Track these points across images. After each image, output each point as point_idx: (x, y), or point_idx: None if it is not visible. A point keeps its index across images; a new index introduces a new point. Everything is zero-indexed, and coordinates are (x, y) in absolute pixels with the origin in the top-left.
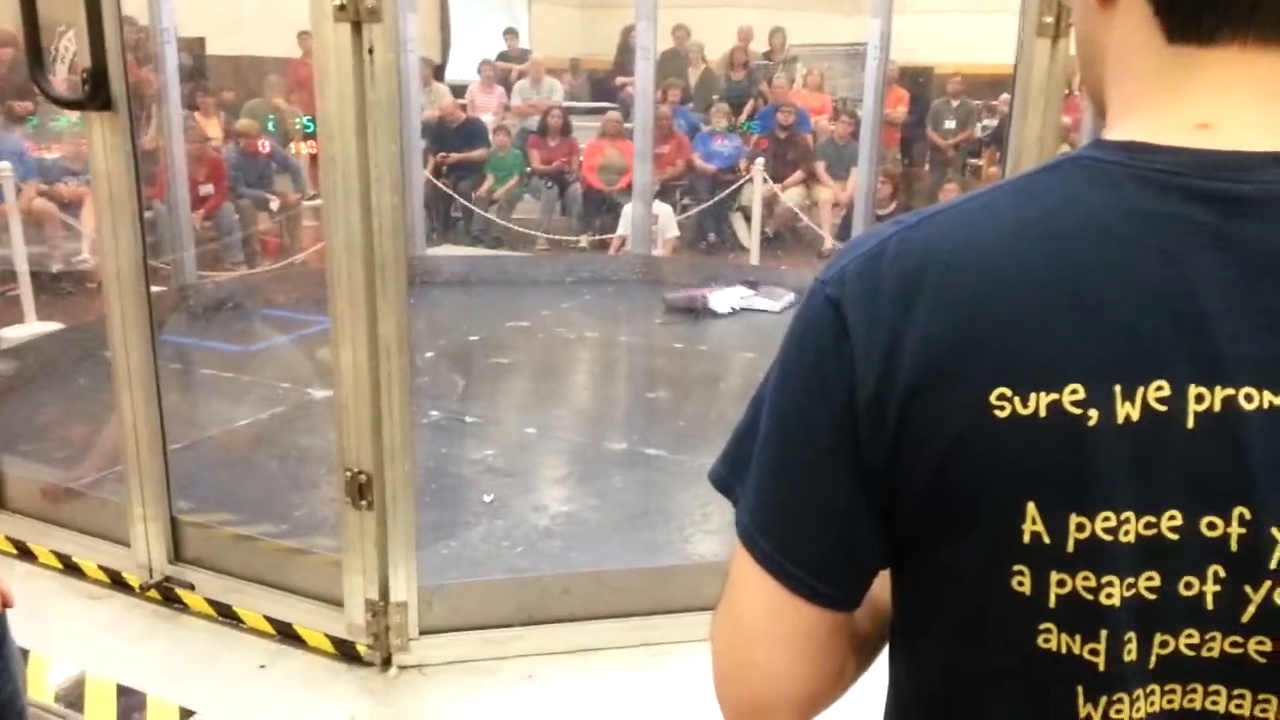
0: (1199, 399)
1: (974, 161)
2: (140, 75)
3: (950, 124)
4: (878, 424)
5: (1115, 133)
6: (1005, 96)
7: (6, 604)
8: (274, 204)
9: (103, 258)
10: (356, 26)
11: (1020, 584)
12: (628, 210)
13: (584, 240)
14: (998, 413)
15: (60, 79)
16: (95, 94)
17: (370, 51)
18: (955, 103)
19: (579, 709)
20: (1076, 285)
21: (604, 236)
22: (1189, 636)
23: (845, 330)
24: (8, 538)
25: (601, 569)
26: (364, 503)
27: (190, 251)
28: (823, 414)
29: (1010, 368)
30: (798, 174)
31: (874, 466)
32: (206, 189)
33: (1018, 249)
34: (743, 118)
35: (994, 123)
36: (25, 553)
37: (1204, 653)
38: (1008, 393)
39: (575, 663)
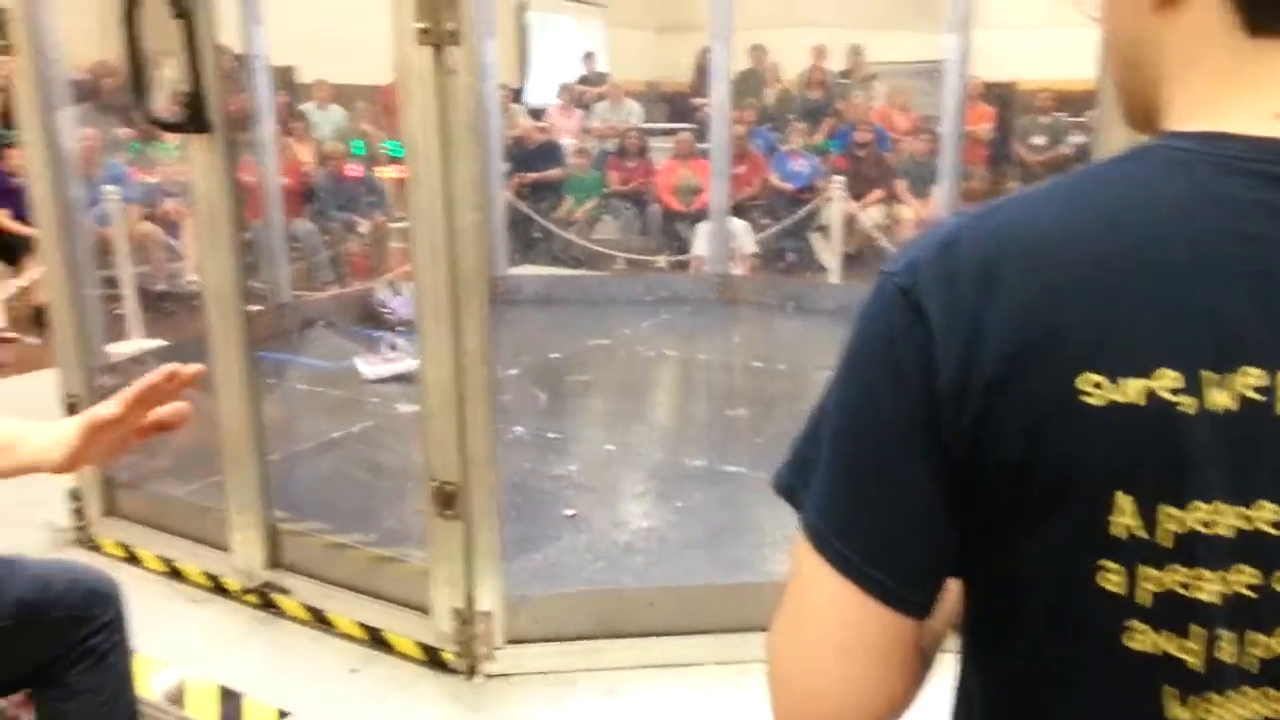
0: None
1: None
2: (239, 103)
3: (1039, 140)
4: (958, 410)
5: (1186, 126)
6: (1095, 113)
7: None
8: (362, 227)
9: (203, 276)
10: (438, 49)
11: (1108, 580)
12: (701, 229)
13: (663, 260)
14: (1087, 399)
15: (162, 106)
16: (193, 117)
17: (452, 73)
18: (1045, 119)
19: None
20: (1160, 270)
21: (682, 257)
22: None
23: (921, 315)
24: (118, 543)
25: (684, 584)
26: (450, 513)
27: (285, 270)
28: (899, 402)
29: (1100, 352)
30: (877, 192)
31: (953, 455)
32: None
33: (1098, 234)
34: (819, 136)
35: (1085, 139)
36: (133, 557)
37: None
38: (1098, 379)
39: (658, 677)
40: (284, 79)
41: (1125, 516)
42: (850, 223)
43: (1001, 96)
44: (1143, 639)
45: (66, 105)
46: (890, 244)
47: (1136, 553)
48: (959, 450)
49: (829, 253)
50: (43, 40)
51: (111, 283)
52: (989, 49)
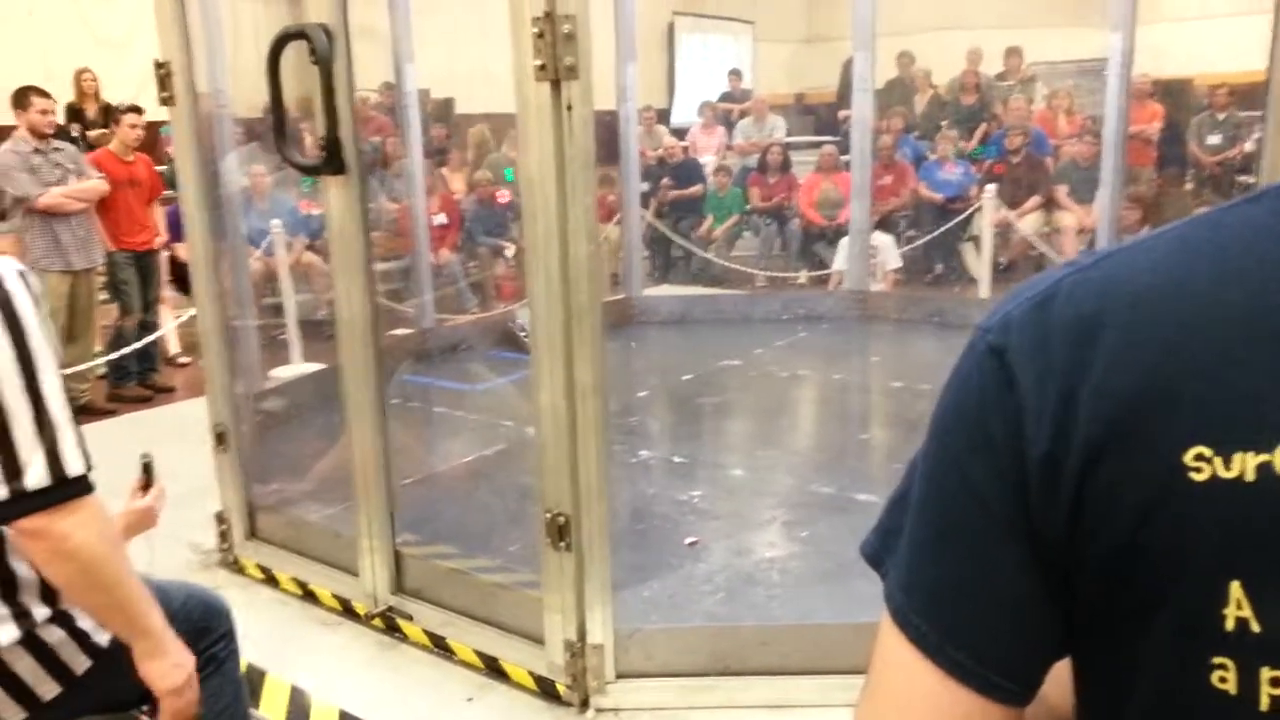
0: None
1: (1244, 179)
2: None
3: (1215, 139)
4: (1051, 488)
5: None
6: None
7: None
8: (509, 251)
9: (337, 308)
10: (556, 85)
11: (1222, 680)
12: (843, 244)
13: (803, 276)
14: (1194, 475)
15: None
16: (330, 159)
17: (569, 108)
18: (1221, 115)
19: None
20: (1277, 330)
21: (822, 272)
22: None
23: (1011, 381)
24: (258, 565)
25: (801, 622)
26: (563, 544)
27: (429, 296)
28: (987, 476)
29: (1209, 423)
30: (1034, 199)
31: (1048, 535)
32: (439, 218)
33: (1215, 288)
34: (973, 143)
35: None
36: (271, 579)
37: None
38: (1207, 452)
39: (775, 718)
40: (441, 111)
41: (1239, 609)
42: (1006, 231)
43: (1173, 94)
44: None
45: (235, 147)
46: (1051, 252)
47: (1255, 650)
48: (1055, 532)
49: (979, 264)
50: (213, 87)
51: (278, 310)
52: (1162, 44)
